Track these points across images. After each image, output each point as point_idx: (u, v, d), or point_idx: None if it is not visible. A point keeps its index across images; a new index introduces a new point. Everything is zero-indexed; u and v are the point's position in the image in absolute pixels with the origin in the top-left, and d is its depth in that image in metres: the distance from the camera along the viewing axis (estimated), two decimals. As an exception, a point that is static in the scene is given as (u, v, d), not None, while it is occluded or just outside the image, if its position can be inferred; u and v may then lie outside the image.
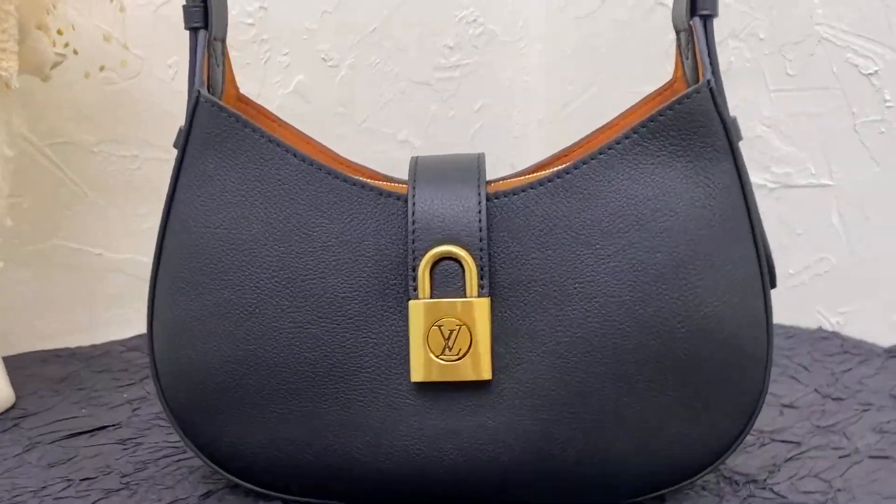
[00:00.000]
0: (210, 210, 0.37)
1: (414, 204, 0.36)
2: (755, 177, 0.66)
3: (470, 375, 0.35)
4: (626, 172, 0.36)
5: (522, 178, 0.41)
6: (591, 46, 0.79)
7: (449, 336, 0.35)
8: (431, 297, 0.35)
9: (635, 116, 0.42)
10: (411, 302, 0.35)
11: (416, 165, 0.38)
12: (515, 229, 0.36)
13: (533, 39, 0.85)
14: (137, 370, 0.58)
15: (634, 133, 0.36)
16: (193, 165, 0.38)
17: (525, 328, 0.35)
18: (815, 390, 0.51)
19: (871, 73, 0.58)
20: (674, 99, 0.36)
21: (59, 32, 0.51)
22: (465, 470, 0.36)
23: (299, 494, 0.38)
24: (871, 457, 0.42)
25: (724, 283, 0.36)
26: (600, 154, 0.36)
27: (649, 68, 0.74)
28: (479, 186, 0.36)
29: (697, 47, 0.38)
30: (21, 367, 0.59)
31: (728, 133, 0.37)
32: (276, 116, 0.46)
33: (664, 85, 0.43)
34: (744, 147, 0.67)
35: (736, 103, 0.67)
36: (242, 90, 0.63)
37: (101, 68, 0.57)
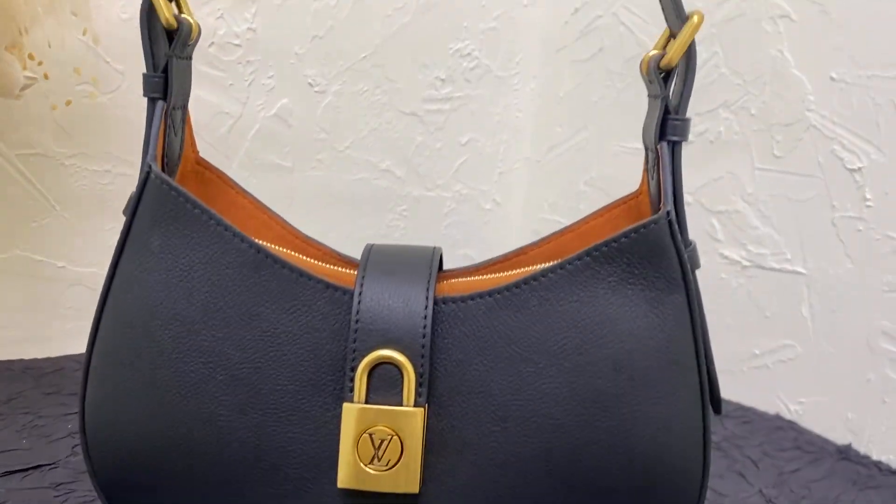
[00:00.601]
0: (151, 287, 0.37)
1: (359, 303, 0.36)
2: (731, 251, 0.65)
3: (397, 488, 0.34)
4: (576, 294, 0.35)
5: (476, 277, 0.40)
6: (585, 93, 0.78)
7: (379, 446, 0.35)
8: (366, 402, 0.35)
9: (597, 224, 0.42)
10: (345, 405, 0.35)
11: (368, 258, 0.37)
12: (460, 338, 0.35)
13: (527, 77, 0.83)
14: (87, 395, 0.58)
15: (587, 255, 0.36)
16: (139, 239, 0.37)
17: (459, 440, 0.35)
18: (760, 491, 0.51)
19: (854, 169, 0.57)
20: (631, 227, 0.35)
21: (31, 57, 0.50)
22: None
23: None
24: (800, 583, 0.42)
25: (664, 415, 0.35)
26: (551, 272, 0.35)
27: (639, 124, 0.73)
28: (427, 290, 0.36)
29: (662, 173, 0.37)
30: (-30, 380, 0.58)
31: (683, 266, 0.36)
32: (233, 182, 0.45)
33: (630, 194, 0.42)
34: (722, 220, 0.66)
35: (720, 174, 0.66)
36: (225, 111, 0.62)
37: (68, 102, 0.56)
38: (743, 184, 0.64)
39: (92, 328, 0.38)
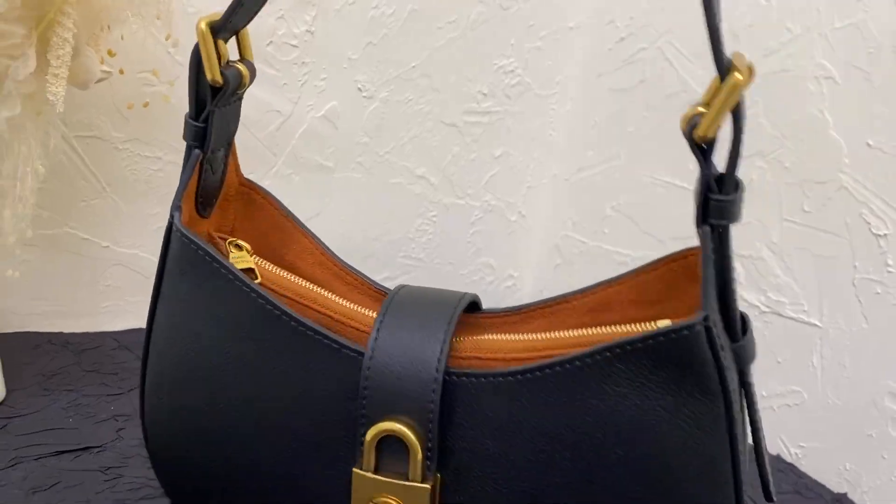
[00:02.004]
0: (180, 332, 0.38)
1: (369, 368, 0.34)
2: (750, 296, 0.68)
3: None
4: (596, 388, 0.32)
5: (506, 337, 0.38)
6: (620, 121, 0.80)
7: None
8: (375, 471, 0.34)
9: (651, 278, 0.40)
10: (354, 470, 0.34)
11: (388, 308, 0.36)
12: (473, 414, 0.33)
13: (565, 98, 0.85)
14: (127, 376, 0.60)
15: (614, 349, 0.32)
16: (169, 282, 0.39)
17: None
18: (761, 533, 0.54)
19: (880, 235, 0.60)
20: (662, 329, 0.32)
21: (110, 54, 0.52)
22: None
23: None
24: None
25: None
26: (577, 360, 0.33)
27: (670, 161, 0.75)
28: (440, 357, 0.33)
29: (702, 265, 0.33)
30: (14, 350, 0.60)
31: (721, 374, 0.32)
32: (278, 204, 0.46)
33: (686, 250, 0.39)
34: (746, 264, 0.69)
35: (748, 220, 0.69)
36: (276, 109, 0.64)
37: (146, 104, 0.58)
38: (769, 233, 0.67)
39: (144, 349, 0.41)
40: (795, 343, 0.65)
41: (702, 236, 0.33)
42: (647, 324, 0.36)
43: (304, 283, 0.41)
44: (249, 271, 0.41)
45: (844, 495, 0.60)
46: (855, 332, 0.61)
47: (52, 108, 0.48)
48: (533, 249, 0.88)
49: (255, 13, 0.40)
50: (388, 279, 0.82)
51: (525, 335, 0.38)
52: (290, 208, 0.74)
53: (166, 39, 0.52)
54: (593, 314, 0.41)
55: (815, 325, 0.64)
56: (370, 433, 0.34)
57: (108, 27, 0.50)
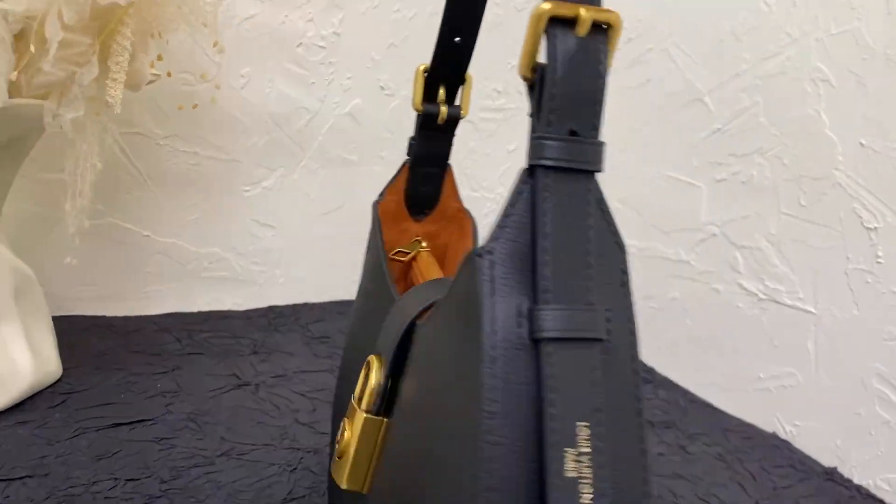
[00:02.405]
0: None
1: (391, 310, 0.38)
2: (749, 284, 0.72)
3: (348, 484, 0.37)
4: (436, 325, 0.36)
5: None
6: (628, 119, 0.84)
7: (341, 441, 0.37)
8: (357, 402, 0.37)
9: None
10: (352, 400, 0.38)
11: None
12: (420, 358, 0.35)
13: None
14: (168, 357, 0.65)
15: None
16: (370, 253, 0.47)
17: (385, 452, 0.36)
18: (757, 502, 0.58)
19: (871, 228, 0.64)
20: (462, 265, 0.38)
21: (159, 58, 0.56)
22: None
23: None
24: (788, 585, 0.49)
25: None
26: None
27: (675, 156, 0.80)
28: (404, 309, 0.36)
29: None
30: (65, 332, 0.65)
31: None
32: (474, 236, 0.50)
33: None
34: (745, 255, 0.73)
35: (748, 213, 0.73)
36: (304, 106, 0.70)
37: (195, 106, 0.62)
38: (768, 225, 0.71)
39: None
40: (791, 328, 0.69)
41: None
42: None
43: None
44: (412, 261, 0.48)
45: (835, 469, 0.64)
46: (847, 318, 0.65)
47: (109, 110, 0.52)
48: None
49: (462, 67, 0.45)
50: (407, 267, 0.87)
51: None
52: (315, 201, 0.78)
53: (214, 45, 0.57)
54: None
55: (810, 312, 0.68)
56: (366, 361, 0.39)
57: (160, 34, 0.54)
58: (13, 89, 0.49)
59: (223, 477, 0.50)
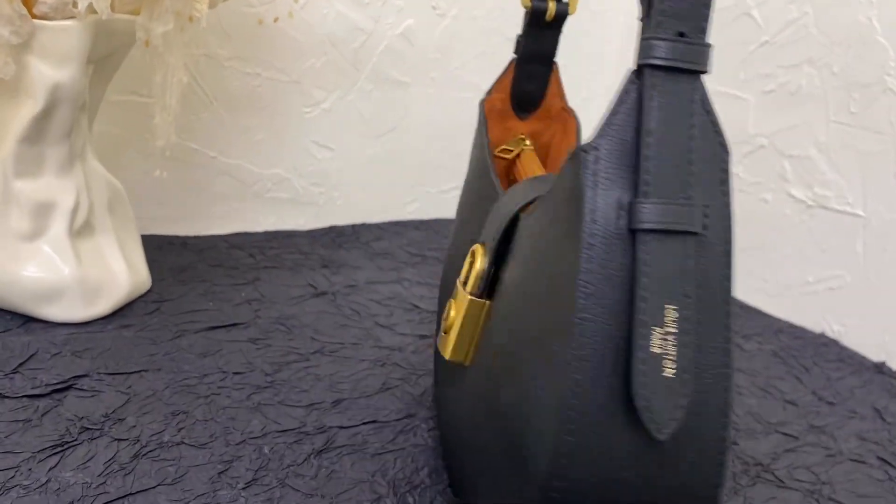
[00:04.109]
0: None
1: (496, 204, 0.40)
2: (798, 192, 0.75)
3: (452, 355, 0.40)
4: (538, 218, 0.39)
5: None
6: (673, 35, 0.85)
7: (446, 320, 0.40)
8: (463, 286, 0.40)
9: None
10: (457, 281, 0.41)
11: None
12: (521, 248, 0.37)
13: (618, 12, 0.90)
14: (247, 270, 0.68)
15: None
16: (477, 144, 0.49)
17: (485, 332, 0.39)
18: (813, 392, 0.62)
19: (922, 130, 0.66)
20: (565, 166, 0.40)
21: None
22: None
23: None
24: (851, 459, 0.53)
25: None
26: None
27: (723, 72, 0.81)
28: (525, 201, 0.38)
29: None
30: (144, 250, 0.67)
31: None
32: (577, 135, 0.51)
33: None
34: (794, 164, 0.75)
35: (796, 123, 0.75)
36: (360, 27, 0.72)
37: (276, 19, 0.64)
38: (816, 133, 0.73)
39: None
40: (839, 232, 0.72)
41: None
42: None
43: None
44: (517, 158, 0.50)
45: (883, 363, 0.68)
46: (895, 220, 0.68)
47: (194, 25, 0.54)
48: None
49: None
50: (456, 188, 0.89)
51: None
52: (370, 122, 0.80)
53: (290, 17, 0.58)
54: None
55: (859, 215, 0.71)
56: (471, 250, 0.41)
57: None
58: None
59: (320, 371, 0.53)
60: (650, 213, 0.30)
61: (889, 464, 0.52)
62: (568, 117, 0.52)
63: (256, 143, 0.75)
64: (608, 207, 0.30)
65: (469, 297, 0.39)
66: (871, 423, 0.58)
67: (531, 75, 0.50)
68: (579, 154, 0.31)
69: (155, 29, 0.52)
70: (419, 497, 0.42)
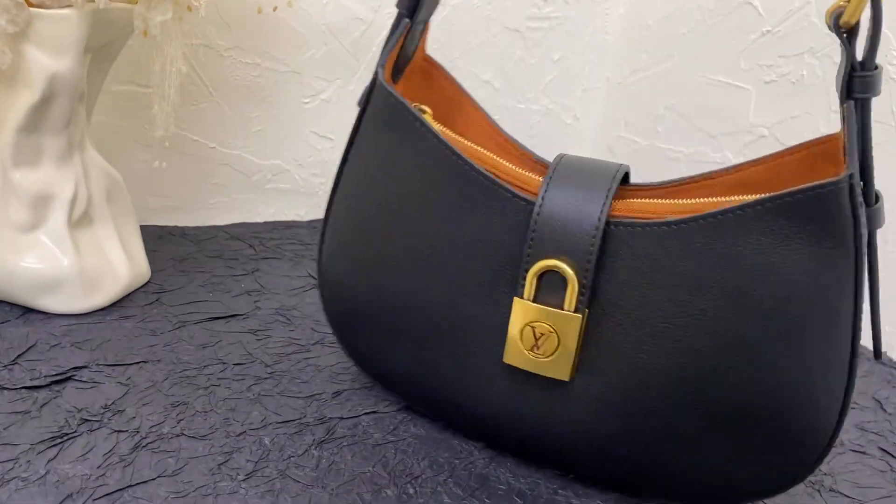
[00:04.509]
0: (370, 178, 0.45)
1: (538, 213, 0.39)
2: (798, 182, 0.74)
3: (549, 373, 0.40)
4: (741, 239, 0.37)
5: (656, 200, 0.42)
6: (674, 24, 0.85)
7: (539, 338, 0.40)
8: (534, 300, 0.40)
9: (791, 160, 0.43)
10: (515, 298, 0.40)
11: (556, 169, 0.41)
12: (626, 259, 0.38)
13: (618, 3, 0.90)
14: (246, 261, 0.67)
15: (760, 205, 0.36)
16: (364, 136, 0.45)
17: (612, 344, 0.39)
18: (814, 382, 0.62)
19: (924, 121, 0.66)
20: (810, 185, 0.36)
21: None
22: (531, 442, 0.43)
23: (414, 404, 0.48)
24: (852, 450, 0.53)
25: (805, 365, 0.37)
26: (720, 215, 0.37)
27: (724, 62, 0.81)
28: (602, 210, 0.39)
29: (847, 133, 0.38)
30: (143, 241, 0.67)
31: (857, 230, 0.36)
32: (452, 79, 0.51)
33: (831, 135, 0.43)
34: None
35: (797, 113, 0.74)
36: (360, 17, 0.70)
37: (275, 8, 0.63)
38: (817, 124, 0.73)
39: (331, 192, 0.47)
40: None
41: (847, 109, 0.38)
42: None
43: (476, 147, 0.46)
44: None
45: (884, 353, 0.67)
46: (897, 210, 0.68)
47: (193, 15, 0.53)
48: (587, 151, 0.94)
49: None
50: (455, 179, 0.88)
51: (673, 200, 0.43)
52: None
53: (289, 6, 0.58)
54: (733, 191, 0.45)
55: (860, 206, 0.70)
56: (533, 268, 0.39)
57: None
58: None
59: (321, 362, 0.53)
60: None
61: (890, 454, 0.52)
62: (430, 66, 0.50)
63: (256, 133, 0.74)
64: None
65: (576, 315, 0.39)
66: (872, 414, 0.58)
67: (414, 37, 0.47)
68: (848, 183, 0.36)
69: (153, 18, 0.51)
70: (420, 488, 0.42)
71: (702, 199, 0.41)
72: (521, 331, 0.40)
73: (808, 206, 0.36)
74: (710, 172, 0.45)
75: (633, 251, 0.38)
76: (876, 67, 0.38)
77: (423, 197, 0.42)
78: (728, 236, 0.37)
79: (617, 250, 0.39)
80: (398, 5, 0.46)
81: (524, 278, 0.40)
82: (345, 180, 0.46)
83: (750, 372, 0.37)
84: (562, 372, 0.40)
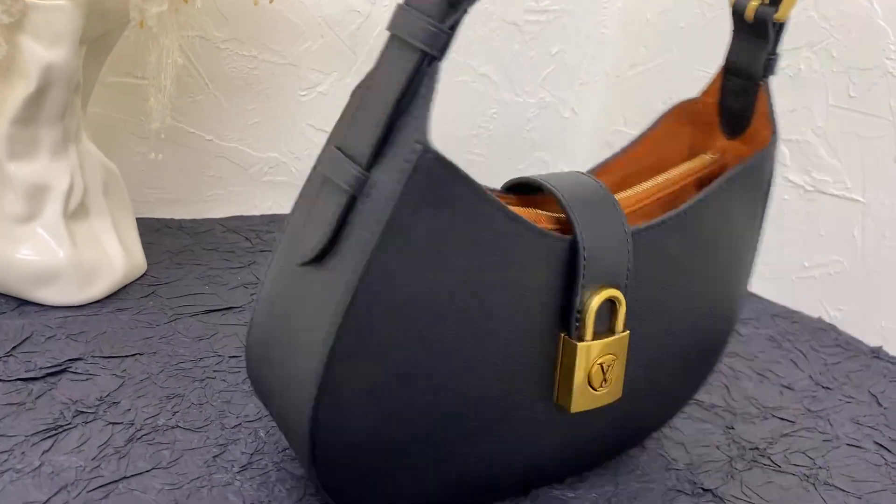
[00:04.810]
0: (415, 278, 0.33)
1: (585, 249, 0.36)
2: (796, 176, 0.74)
3: (612, 398, 0.40)
4: (720, 209, 0.43)
5: (623, 194, 0.43)
6: (673, 18, 0.85)
7: (607, 370, 0.38)
8: (593, 339, 0.38)
9: (657, 132, 0.48)
10: (579, 344, 0.37)
11: (567, 204, 0.37)
12: (645, 262, 0.39)
13: (618, -4, 0.90)
14: (243, 254, 0.67)
15: (732, 180, 0.43)
16: (401, 228, 0.32)
17: (643, 346, 0.41)
18: (810, 376, 0.62)
19: (922, 115, 0.66)
20: (764, 151, 0.44)
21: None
22: (569, 465, 0.44)
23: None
24: (847, 444, 0.53)
25: (741, 283, 0.47)
26: (708, 196, 0.42)
27: (722, 56, 0.80)
28: (624, 227, 0.38)
29: (769, 104, 0.45)
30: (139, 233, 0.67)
31: (772, 175, 0.46)
32: None
33: (687, 101, 0.49)
34: (791, 148, 0.75)
35: (795, 107, 0.74)
36: (356, 9, 0.69)
37: (256, 2, 0.63)
38: (815, 118, 0.73)
39: (341, 314, 0.32)
40: (838, 218, 0.72)
41: (767, 86, 0.46)
42: (697, 158, 0.47)
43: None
44: None
45: (880, 348, 0.68)
46: (895, 205, 0.68)
47: (189, 6, 0.53)
48: (584, 144, 0.94)
49: None
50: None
51: (627, 191, 0.44)
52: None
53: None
54: (646, 168, 0.48)
55: (858, 201, 0.70)
56: (593, 305, 0.37)
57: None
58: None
59: (316, 354, 0.53)
60: None
61: (885, 448, 0.52)
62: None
63: (253, 126, 0.74)
64: None
65: (626, 332, 0.39)
66: (868, 408, 0.58)
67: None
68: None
69: (149, 9, 0.51)
70: (415, 481, 0.42)
71: (646, 185, 0.44)
72: (589, 373, 0.38)
73: (754, 168, 0.44)
74: (606, 160, 0.49)
75: (649, 253, 0.40)
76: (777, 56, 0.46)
77: (477, 272, 0.35)
78: (708, 216, 0.42)
79: (639, 257, 0.39)
80: (421, 38, 0.31)
81: (578, 319, 0.37)
82: (368, 297, 0.32)
83: (724, 313, 0.45)
84: (617, 391, 0.40)
